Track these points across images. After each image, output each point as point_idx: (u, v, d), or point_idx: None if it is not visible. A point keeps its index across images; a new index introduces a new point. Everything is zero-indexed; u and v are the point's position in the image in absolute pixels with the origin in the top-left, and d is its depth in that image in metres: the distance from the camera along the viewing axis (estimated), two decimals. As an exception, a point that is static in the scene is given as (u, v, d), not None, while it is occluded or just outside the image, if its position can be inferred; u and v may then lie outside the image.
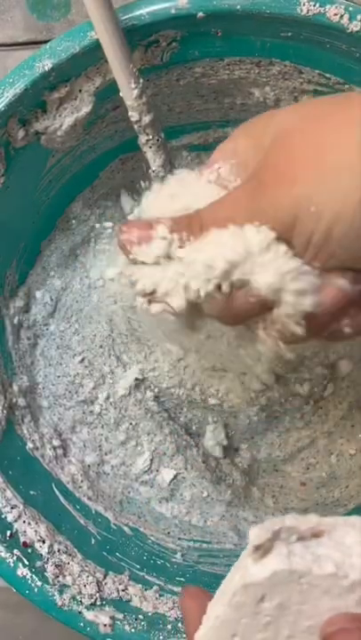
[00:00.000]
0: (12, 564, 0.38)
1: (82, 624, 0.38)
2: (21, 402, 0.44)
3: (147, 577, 0.42)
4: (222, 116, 0.46)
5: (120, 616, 0.38)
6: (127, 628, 0.38)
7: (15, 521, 0.39)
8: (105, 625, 0.38)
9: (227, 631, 0.25)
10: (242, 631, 0.24)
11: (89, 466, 0.47)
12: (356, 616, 0.24)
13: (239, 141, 0.32)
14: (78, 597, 0.38)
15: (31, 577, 0.38)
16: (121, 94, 0.37)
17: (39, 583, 0.38)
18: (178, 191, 0.32)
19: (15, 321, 0.45)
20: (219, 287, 0.29)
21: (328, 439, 0.48)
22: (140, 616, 0.39)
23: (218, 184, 0.32)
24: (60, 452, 0.45)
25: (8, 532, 0.39)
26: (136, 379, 0.47)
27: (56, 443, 0.45)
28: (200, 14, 0.36)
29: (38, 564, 0.38)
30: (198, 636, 0.25)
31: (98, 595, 0.39)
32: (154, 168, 0.39)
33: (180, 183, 0.33)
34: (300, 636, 0.24)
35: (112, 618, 0.38)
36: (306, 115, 0.28)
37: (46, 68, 0.36)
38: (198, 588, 0.29)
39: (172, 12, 0.36)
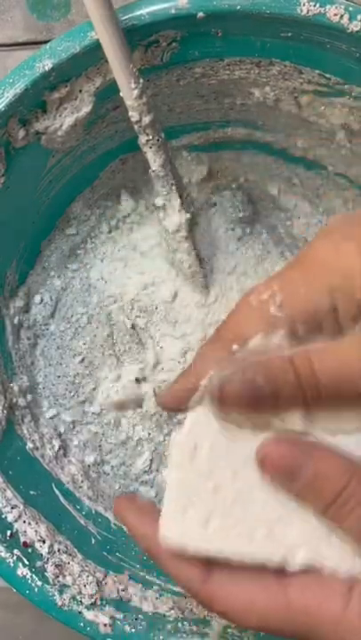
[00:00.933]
0: (12, 564, 0.38)
1: (82, 624, 0.38)
2: (21, 402, 0.44)
3: (147, 577, 0.42)
4: (222, 116, 0.46)
5: (120, 616, 0.38)
6: (127, 627, 0.38)
7: (15, 521, 0.39)
8: (105, 625, 0.38)
9: (182, 498, 0.27)
10: (193, 489, 0.26)
11: (89, 466, 0.47)
12: (281, 435, 0.25)
13: (340, 299, 0.25)
14: (78, 597, 0.38)
15: (31, 577, 0.38)
16: (121, 94, 0.37)
17: (39, 583, 0.38)
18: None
19: (15, 321, 0.45)
20: None
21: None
22: (140, 616, 0.39)
23: None
24: (60, 452, 0.45)
25: (8, 532, 0.39)
26: (136, 379, 0.47)
27: (56, 443, 0.45)
28: (200, 14, 0.36)
29: (38, 563, 0.38)
30: (162, 514, 0.27)
31: (98, 595, 0.39)
32: (154, 168, 0.39)
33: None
34: (242, 471, 0.26)
35: (112, 618, 0.38)
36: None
37: (46, 68, 0.36)
38: (125, 495, 0.30)
39: (172, 12, 0.36)
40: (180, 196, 0.41)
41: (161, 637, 0.38)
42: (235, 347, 0.26)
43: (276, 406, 0.25)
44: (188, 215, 0.42)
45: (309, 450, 0.25)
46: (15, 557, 0.38)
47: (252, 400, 0.25)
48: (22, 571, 0.38)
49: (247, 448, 0.26)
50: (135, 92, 0.36)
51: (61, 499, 0.44)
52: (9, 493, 0.40)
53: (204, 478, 0.26)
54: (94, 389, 0.47)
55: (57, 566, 0.39)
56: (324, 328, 0.26)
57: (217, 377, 0.25)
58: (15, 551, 0.38)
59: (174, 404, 0.28)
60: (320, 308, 0.25)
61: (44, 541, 0.39)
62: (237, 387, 0.25)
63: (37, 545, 0.39)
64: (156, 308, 0.46)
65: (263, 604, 0.26)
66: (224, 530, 0.26)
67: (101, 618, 0.38)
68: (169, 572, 0.28)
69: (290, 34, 0.37)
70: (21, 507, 0.40)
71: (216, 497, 0.26)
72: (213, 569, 0.27)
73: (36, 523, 0.40)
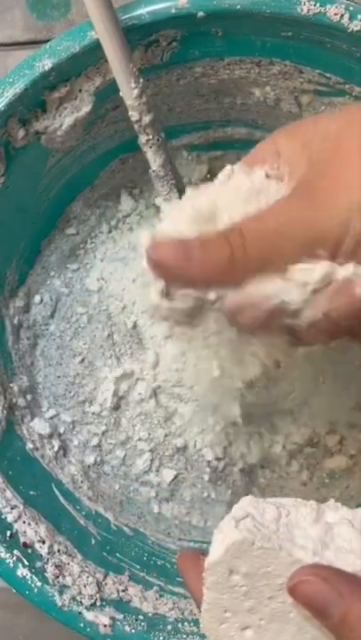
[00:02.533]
0: (11, 565, 0.38)
1: (82, 624, 0.38)
2: (21, 402, 0.44)
3: (147, 577, 0.42)
4: (222, 115, 0.46)
5: (120, 616, 0.38)
6: (127, 628, 0.38)
7: (15, 521, 0.39)
8: (105, 625, 0.38)
9: (218, 611, 0.27)
10: (229, 606, 0.27)
11: (89, 466, 0.47)
12: (314, 566, 0.26)
13: (281, 144, 0.30)
14: (78, 598, 0.38)
15: (31, 577, 0.38)
16: (121, 94, 0.37)
17: (39, 584, 0.38)
18: (219, 195, 0.29)
19: (15, 321, 0.45)
20: None
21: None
22: (140, 616, 0.39)
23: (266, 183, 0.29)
24: (60, 452, 0.45)
25: (8, 533, 0.39)
26: (136, 379, 0.47)
27: (56, 443, 0.45)
28: (200, 14, 0.36)
29: (38, 564, 0.38)
30: (202, 617, 0.28)
31: (98, 595, 0.39)
32: (154, 168, 0.39)
33: (219, 186, 0.30)
34: (278, 594, 0.27)
35: (112, 618, 0.38)
36: (357, 120, 0.27)
37: (46, 68, 0.36)
38: (192, 551, 0.31)
39: (173, 11, 0.36)
40: (180, 196, 0.41)
41: (161, 638, 0.38)
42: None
43: (205, 272, 0.27)
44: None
45: (340, 587, 0.25)
46: (15, 558, 0.38)
47: (182, 255, 0.26)
48: (22, 571, 0.38)
49: (283, 576, 0.26)
50: (135, 92, 0.36)
51: (61, 499, 0.44)
52: (9, 494, 0.40)
53: (240, 599, 0.27)
54: (94, 389, 0.47)
55: (57, 567, 0.39)
56: None
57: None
58: (15, 552, 0.38)
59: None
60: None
61: (43, 542, 0.39)
62: (171, 245, 0.27)
63: (37, 545, 0.39)
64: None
65: None
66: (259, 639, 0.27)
67: (101, 618, 0.38)
68: None
69: (290, 33, 0.37)
70: (21, 507, 0.40)
71: (253, 616, 0.27)
72: None
73: (36, 523, 0.40)
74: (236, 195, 0.29)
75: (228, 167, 0.31)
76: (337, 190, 0.26)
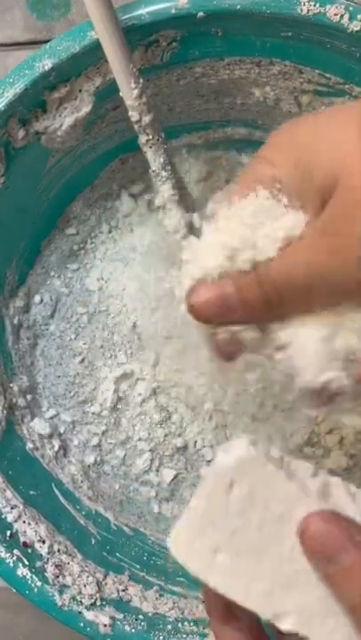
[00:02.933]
0: (11, 565, 0.38)
1: (82, 624, 0.38)
2: (21, 402, 0.44)
3: (147, 577, 0.42)
4: (222, 115, 0.46)
5: (120, 616, 0.38)
6: (127, 628, 0.38)
7: (15, 521, 0.39)
8: (105, 625, 0.38)
9: (203, 522, 0.26)
10: (212, 521, 0.26)
11: (89, 466, 0.47)
12: (330, 512, 0.25)
13: (279, 170, 0.28)
14: (78, 597, 0.38)
15: (31, 577, 0.38)
16: (121, 94, 0.37)
17: (39, 583, 0.38)
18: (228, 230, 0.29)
19: (15, 321, 0.45)
20: None
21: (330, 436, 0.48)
22: (140, 616, 0.39)
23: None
24: (60, 452, 0.45)
25: (8, 532, 0.39)
26: (136, 379, 0.47)
27: (56, 443, 0.45)
28: (200, 14, 0.36)
29: (38, 564, 0.38)
30: (176, 526, 0.27)
31: (98, 595, 0.39)
32: (154, 168, 0.39)
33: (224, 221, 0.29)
34: (270, 524, 0.26)
35: (112, 618, 0.38)
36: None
37: (46, 68, 0.36)
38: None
39: (172, 11, 0.36)
40: (180, 196, 0.41)
41: (161, 638, 0.38)
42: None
43: (245, 314, 0.28)
44: (188, 215, 0.42)
45: (353, 535, 0.25)
46: (15, 558, 0.38)
47: (222, 304, 0.28)
48: (22, 571, 0.38)
49: (284, 505, 0.26)
50: (135, 92, 0.36)
51: (61, 499, 0.44)
52: (9, 493, 0.40)
53: (229, 517, 0.26)
54: (94, 389, 0.47)
55: (57, 566, 0.39)
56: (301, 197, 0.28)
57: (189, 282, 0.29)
58: (15, 551, 0.38)
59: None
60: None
61: (43, 541, 0.39)
62: (209, 291, 0.28)
63: (37, 545, 0.39)
64: (157, 308, 0.46)
65: None
66: (228, 569, 0.26)
67: (101, 618, 0.38)
68: None
69: (290, 33, 0.37)
70: (21, 507, 0.40)
71: (233, 538, 0.26)
72: None
73: (36, 523, 0.40)
74: (248, 221, 0.29)
75: (225, 189, 0.31)
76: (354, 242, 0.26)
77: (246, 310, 0.28)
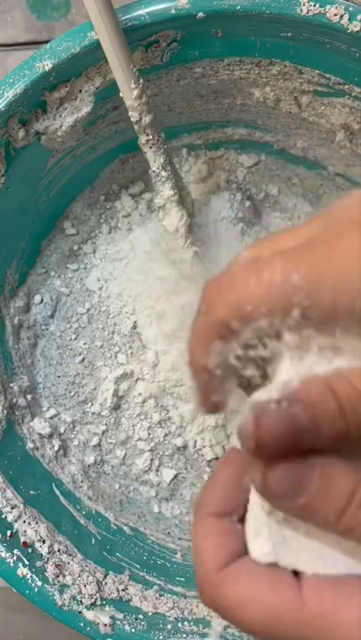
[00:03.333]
0: (12, 564, 0.38)
1: (82, 624, 0.38)
2: (21, 402, 0.44)
3: (147, 577, 0.42)
4: (222, 116, 0.46)
5: (120, 616, 0.38)
6: (127, 627, 0.38)
7: (15, 521, 0.39)
8: (105, 625, 0.38)
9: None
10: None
11: (89, 466, 0.47)
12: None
13: None
14: (78, 597, 0.38)
15: (31, 577, 0.38)
16: (121, 94, 0.37)
17: (39, 583, 0.38)
18: None
19: (15, 321, 0.45)
20: None
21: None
22: (141, 616, 0.39)
23: None
24: (60, 452, 0.45)
25: (8, 532, 0.39)
26: (136, 379, 0.47)
27: (56, 442, 0.45)
28: (200, 14, 0.36)
29: (38, 563, 0.38)
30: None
31: (98, 595, 0.39)
32: (154, 168, 0.39)
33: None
34: None
35: (112, 618, 0.38)
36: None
37: (46, 68, 0.36)
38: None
39: (172, 12, 0.36)
40: (180, 197, 0.41)
41: (161, 637, 0.38)
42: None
43: (318, 441, 0.22)
44: (188, 215, 0.42)
45: (312, 464, 0.22)
46: (15, 557, 0.38)
47: (292, 435, 0.21)
48: (22, 571, 0.38)
49: None
50: (135, 92, 0.36)
51: (61, 499, 0.44)
52: (9, 493, 0.40)
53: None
54: (94, 389, 0.47)
55: (57, 566, 0.39)
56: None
57: (249, 411, 0.22)
58: (15, 551, 0.38)
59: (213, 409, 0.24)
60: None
61: (43, 541, 0.39)
62: (274, 420, 0.21)
63: (37, 545, 0.39)
64: (156, 308, 0.46)
65: (273, 601, 0.23)
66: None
67: (101, 618, 0.38)
68: (194, 541, 0.25)
69: (290, 34, 0.37)
70: (21, 507, 0.40)
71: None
72: (232, 562, 0.24)
73: (36, 523, 0.40)
74: None
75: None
76: None
77: (318, 441, 0.22)
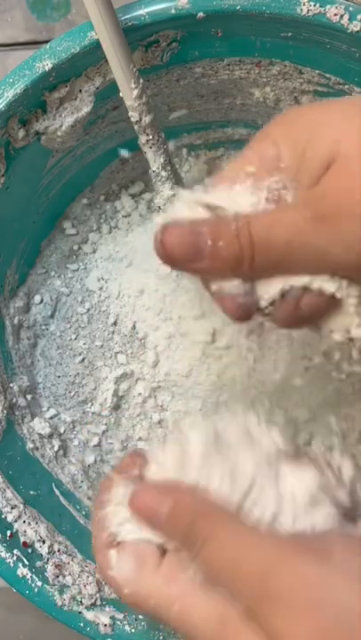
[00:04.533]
0: (12, 565, 0.38)
1: (82, 624, 0.38)
2: (21, 402, 0.44)
3: (147, 577, 0.42)
4: (222, 116, 0.46)
5: (120, 616, 0.38)
6: (127, 628, 0.38)
7: (15, 521, 0.39)
8: (105, 625, 0.38)
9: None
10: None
11: (89, 466, 0.47)
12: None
13: (282, 148, 0.28)
14: (78, 597, 0.38)
15: (31, 577, 0.38)
16: (121, 94, 0.37)
17: (39, 583, 0.38)
18: (213, 200, 0.28)
19: (15, 321, 0.45)
20: None
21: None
22: (140, 616, 0.39)
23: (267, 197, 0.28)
24: (60, 452, 0.45)
25: (8, 532, 0.39)
26: (136, 379, 0.47)
27: (56, 442, 0.45)
28: (200, 14, 0.36)
29: (38, 564, 0.38)
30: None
31: (98, 595, 0.39)
32: (154, 168, 0.39)
33: (213, 192, 0.28)
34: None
35: (112, 618, 0.38)
36: None
37: (46, 68, 0.36)
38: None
39: (172, 12, 0.36)
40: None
41: (161, 638, 0.38)
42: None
43: (213, 264, 0.27)
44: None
45: (169, 491, 0.27)
46: (15, 557, 0.38)
47: (192, 247, 0.26)
48: (22, 571, 0.38)
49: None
50: (135, 92, 0.36)
51: (61, 499, 0.44)
52: (9, 493, 0.40)
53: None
54: (94, 389, 0.47)
55: (57, 566, 0.39)
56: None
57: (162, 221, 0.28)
58: (15, 551, 0.38)
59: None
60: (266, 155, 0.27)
61: (43, 541, 0.39)
62: (179, 229, 0.27)
63: (37, 545, 0.39)
64: (156, 308, 0.46)
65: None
66: None
67: (101, 618, 0.38)
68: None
69: (290, 34, 0.37)
70: (21, 507, 0.40)
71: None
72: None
73: (36, 523, 0.40)
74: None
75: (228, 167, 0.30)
76: (350, 219, 0.25)
77: (215, 260, 0.27)
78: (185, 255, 0.27)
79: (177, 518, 0.26)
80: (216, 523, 0.25)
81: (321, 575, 0.22)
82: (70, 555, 0.40)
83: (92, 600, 0.38)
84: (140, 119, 0.37)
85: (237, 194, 0.28)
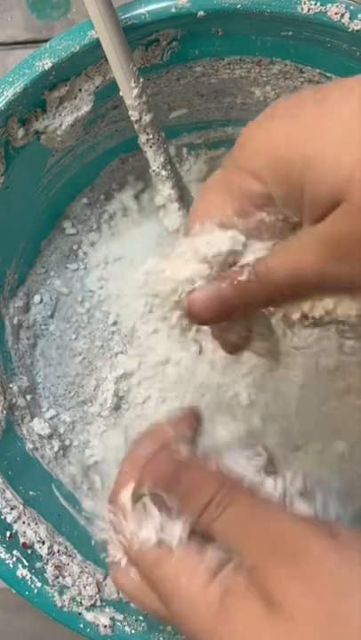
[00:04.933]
0: (11, 565, 0.38)
1: (82, 625, 0.38)
2: (21, 402, 0.44)
3: (147, 578, 0.42)
4: (223, 115, 0.46)
5: (120, 617, 0.38)
6: (127, 629, 0.38)
7: (15, 522, 0.39)
8: (105, 626, 0.38)
9: None
10: None
11: (89, 466, 0.46)
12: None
13: (273, 188, 0.25)
14: (78, 598, 0.38)
15: (31, 578, 0.38)
16: (121, 93, 0.37)
17: (39, 584, 0.38)
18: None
19: (15, 321, 0.45)
20: None
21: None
22: (140, 617, 0.39)
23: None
24: (59, 452, 0.45)
25: (8, 533, 0.39)
26: (137, 379, 0.47)
27: (56, 443, 0.45)
28: (200, 13, 0.36)
29: (38, 565, 0.38)
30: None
31: (98, 596, 0.39)
32: (154, 168, 0.39)
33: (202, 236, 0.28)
34: None
35: (112, 619, 0.38)
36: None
37: (46, 67, 0.36)
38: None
39: (173, 10, 0.36)
40: (180, 196, 0.41)
41: (161, 639, 0.38)
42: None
43: (247, 310, 0.28)
44: (188, 214, 0.42)
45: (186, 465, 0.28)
46: (15, 558, 0.38)
47: (221, 306, 0.28)
48: (22, 572, 0.38)
49: None
50: (135, 91, 0.36)
51: (61, 499, 0.44)
52: (8, 494, 0.40)
53: None
54: (94, 389, 0.47)
55: (57, 567, 0.39)
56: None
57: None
58: (15, 552, 0.38)
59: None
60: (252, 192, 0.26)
61: (43, 542, 0.39)
62: (204, 296, 0.28)
63: (37, 546, 0.39)
64: (157, 308, 0.46)
65: None
66: None
67: (101, 619, 0.38)
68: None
69: (290, 33, 0.37)
70: (21, 507, 0.40)
71: None
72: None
73: (36, 524, 0.40)
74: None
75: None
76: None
77: (247, 309, 0.28)
78: (217, 317, 0.28)
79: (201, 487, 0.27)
80: (239, 491, 0.27)
81: (331, 549, 0.24)
82: (70, 555, 0.40)
83: (92, 601, 0.38)
84: (140, 118, 0.37)
85: (230, 235, 0.27)
